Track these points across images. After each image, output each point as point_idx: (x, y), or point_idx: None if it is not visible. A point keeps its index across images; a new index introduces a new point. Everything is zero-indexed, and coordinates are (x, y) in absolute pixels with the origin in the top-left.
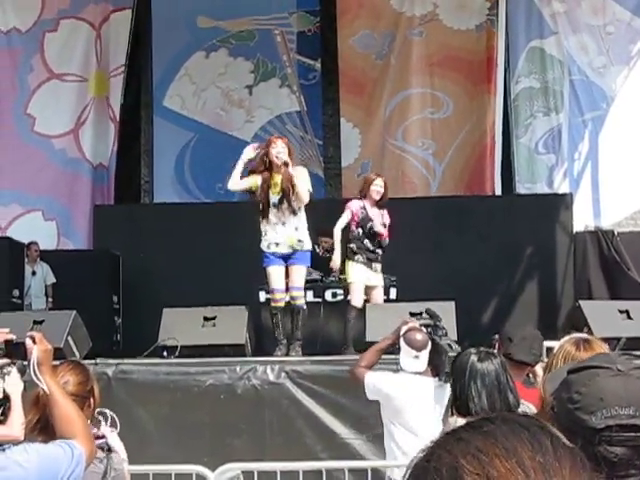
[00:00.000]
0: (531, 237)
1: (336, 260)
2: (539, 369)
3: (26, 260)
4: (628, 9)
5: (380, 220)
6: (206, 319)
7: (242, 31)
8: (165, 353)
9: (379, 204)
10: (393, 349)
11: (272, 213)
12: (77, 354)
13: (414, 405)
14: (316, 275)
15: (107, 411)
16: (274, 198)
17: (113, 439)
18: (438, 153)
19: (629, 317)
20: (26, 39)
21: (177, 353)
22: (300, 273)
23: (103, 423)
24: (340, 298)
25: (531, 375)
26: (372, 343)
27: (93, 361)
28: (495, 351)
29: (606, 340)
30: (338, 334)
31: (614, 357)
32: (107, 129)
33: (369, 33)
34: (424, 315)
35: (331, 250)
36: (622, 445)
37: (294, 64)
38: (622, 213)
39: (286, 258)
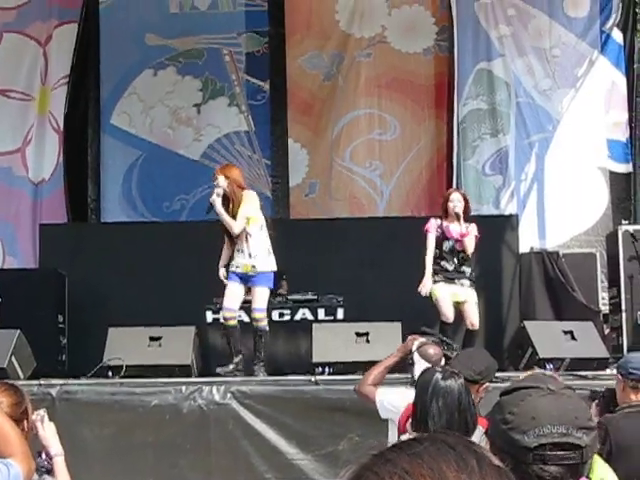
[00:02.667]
0: (477, 258)
1: (426, 284)
2: None
3: None
4: (573, 32)
5: (460, 233)
6: (152, 339)
7: (190, 49)
8: (110, 373)
9: (464, 218)
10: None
11: (235, 241)
12: (21, 374)
13: None
14: None
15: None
16: None
17: (58, 464)
18: (385, 174)
19: (573, 338)
20: None
21: (122, 373)
22: (261, 294)
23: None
24: (287, 318)
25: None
26: (319, 364)
27: (37, 381)
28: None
29: (550, 360)
30: (284, 354)
31: (544, 377)
32: (51, 141)
33: (317, 53)
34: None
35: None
36: (555, 463)
37: (243, 84)
38: (567, 235)
39: (245, 279)
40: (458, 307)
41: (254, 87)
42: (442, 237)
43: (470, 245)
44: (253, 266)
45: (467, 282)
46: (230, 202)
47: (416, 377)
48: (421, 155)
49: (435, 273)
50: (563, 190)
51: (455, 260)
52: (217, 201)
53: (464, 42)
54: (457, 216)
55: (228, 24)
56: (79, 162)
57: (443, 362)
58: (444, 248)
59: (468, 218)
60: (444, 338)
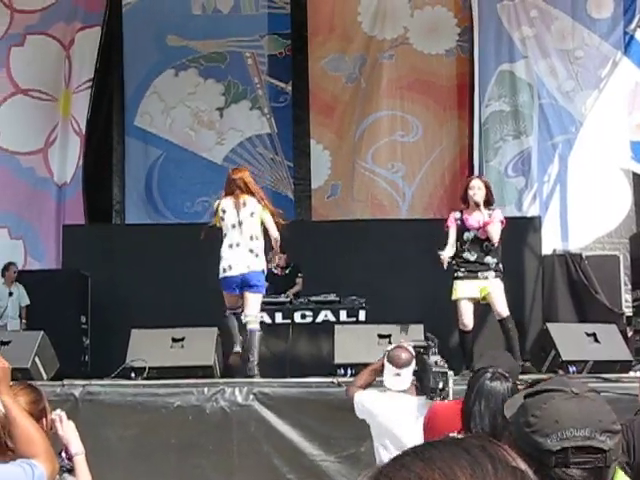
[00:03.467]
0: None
1: (446, 253)
2: None
3: (2, 281)
4: (597, 34)
5: (482, 221)
6: (174, 340)
7: (213, 53)
8: (133, 374)
9: (487, 204)
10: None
11: None
12: (44, 375)
13: (397, 424)
14: (284, 297)
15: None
16: None
17: (78, 463)
18: (408, 176)
19: (596, 340)
20: None
21: (145, 374)
22: None
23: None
24: (309, 320)
25: None
26: (340, 366)
27: (60, 382)
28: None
29: (573, 363)
30: (306, 356)
31: (568, 380)
32: (73, 144)
33: (340, 56)
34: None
35: (285, 267)
36: (578, 467)
37: (265, 86)
38: (590, 237)
39: None
40: (485, 300)
41: (276, 89)
42: (462, 228)
43: (495, 232)
44: None
45: (492, 274)
46: None
47: (384, 381)
48: (443, 156)
49: (457, 267)
50: (586, 192)
51: (478, 250)
52: None
53: (486, 43)
54: (477, 204)
55: (250, 26)
56: (102, 165)
57: (414, 365)
58: (465, 239)
59: (491, 205)
60: (431, 344)
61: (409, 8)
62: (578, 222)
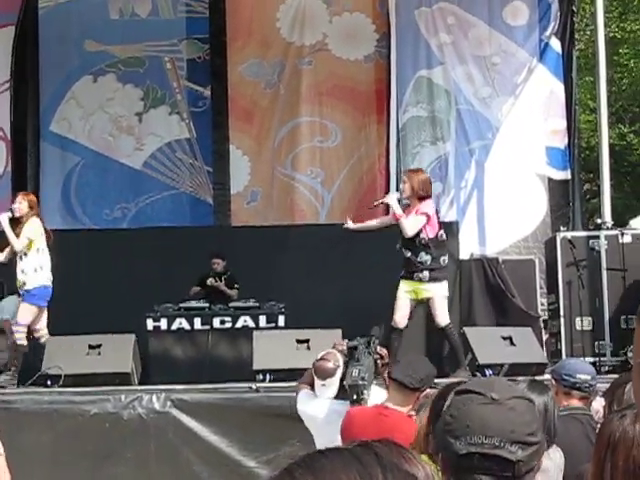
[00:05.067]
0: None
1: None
2: None
3: None
4: (514, 41)
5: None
6: (91, 347)
7: (131, 57)
8: (49, 382)
9: (417, 197)
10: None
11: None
12: None
13: (314, 427)
14: (204, 303)
15: None
16: None
17: None
18: (326, 182)
19: (512, 344)
20: None
21: (61, 382)
22: (22, 310)
23: None
24: (228, 325)
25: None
26: (259, 371)
27: None
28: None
29: (490, 366)
30: (225, 361)
31: (494, 384)
32: None
33: (259, 62)
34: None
35: (225, 272)
36: (484, 474)
37: (184, 91)
38: (507, 241)
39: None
40: (426, 304)
41: (195, 94)
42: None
43: (407, 225)
44: (24, 282)
45: (426, 275)
46: (19, 223)
47: (315, 389)
48: (362, 162)
49: (402, 267)
50: (503, 197)
51: (411, 247)
52: (5, 218)
53: (404, 50)
54: (399, 200)
55: (169, 30)
56: (20, 169)
57: (339, 373)
58: (403, 235)
59: (420, 197)
60: (361, 346)
61: (328, 14)
62: (495, 227)
